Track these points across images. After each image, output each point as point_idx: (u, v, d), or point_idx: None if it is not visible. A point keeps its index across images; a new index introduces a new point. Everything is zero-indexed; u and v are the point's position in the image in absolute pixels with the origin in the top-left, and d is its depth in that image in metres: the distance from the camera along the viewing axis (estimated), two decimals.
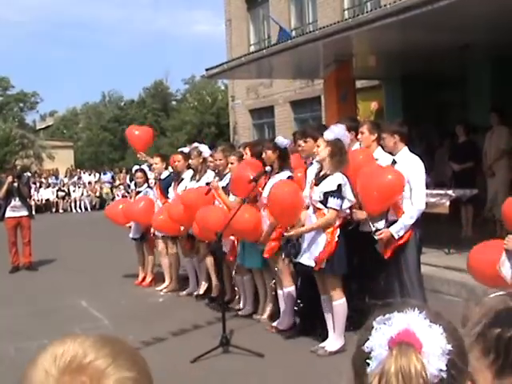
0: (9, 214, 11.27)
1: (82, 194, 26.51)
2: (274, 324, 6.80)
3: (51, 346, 0.94)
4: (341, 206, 5.77)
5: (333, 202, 5.72)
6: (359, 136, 6.50)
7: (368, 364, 1.01)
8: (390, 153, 5.99)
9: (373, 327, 1.04)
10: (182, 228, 8.37)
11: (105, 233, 14.27)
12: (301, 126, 15.28)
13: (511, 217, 4.59)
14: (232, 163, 7.39)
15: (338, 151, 5.79)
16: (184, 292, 8.81)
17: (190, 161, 8.48)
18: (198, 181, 8.20)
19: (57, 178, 28.13)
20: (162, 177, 9.16)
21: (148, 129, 10.72)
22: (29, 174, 18.45)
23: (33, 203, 20.81)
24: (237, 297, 7.95)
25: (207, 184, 7.78)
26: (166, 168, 9.25)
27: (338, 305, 5.86)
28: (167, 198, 8.92)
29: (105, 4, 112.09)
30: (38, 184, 25.95)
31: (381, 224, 5.92)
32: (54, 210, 25.63)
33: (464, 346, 1.06)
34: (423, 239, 5.93)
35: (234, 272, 7.54)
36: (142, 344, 6.30)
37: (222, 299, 6.75)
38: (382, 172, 5.84)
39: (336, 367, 5.33)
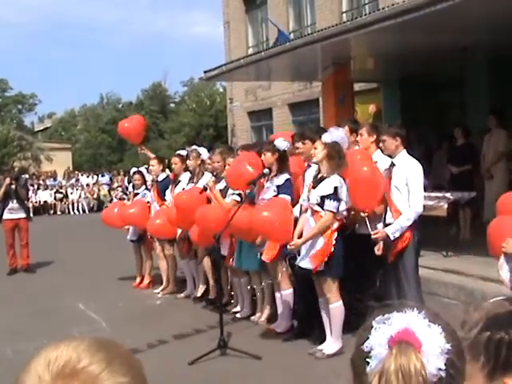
0: (6, 216, 11.25)
1: (80, 196, 26.49)
2: (272, 326, 6.80)
3: (44, 350, 0.93)
4: (337, 208, 5.78)
5: (329, 204, 5.73)
6: (358, 138, 6.51)
7: (368, 363, 1.02)
8: (389, 155, 5.99)
9: (372, 327, 1.05)
10: (180, 231, 8.37)
11: (103, 235, 14.24)
12: (299, 128, 15.28)
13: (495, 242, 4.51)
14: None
15: (336, 154, 5.79)
16: (182, 294, 8.80)
17: (188, 162, 8.47)
18: (195, 183, 8.19)
19: (55, 180, 28.13)
20: (159, 179, 9.15)
21: (137, 117, 10.70)
22: (27, 176, 18.42)
23: (30, 205, 20.76)
24: (232, 300, 7.94)
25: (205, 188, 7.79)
26: (163, 170, 9.25)
27: (334, 307, 5.86)
28: (164, 200, 8.92)
29: (104, 5, 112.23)
30: (35, 186, 25.93)
31: (379, 226, 5.93)
32: (51, 212, 25.61)
33: (462, 346, 1.06)
34: (421, 242, 5.93)
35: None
36: (139, 346, 6.28)
37: (219, 302, 6.74)
38: (358, 168, 5.85)
39: (334, 370, 5.34)
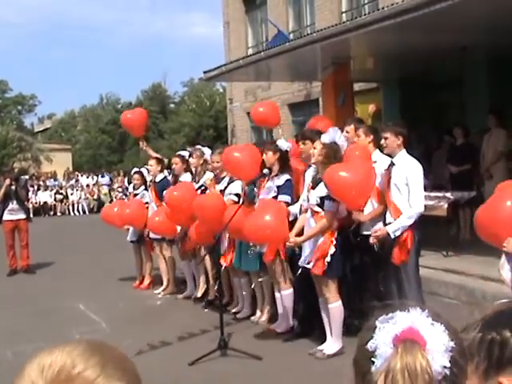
0: (6, 217, 11.24)
1: (80, 197, 26.49)
2: (272, 327, 6.79)
3: (38, 356, 0.92)
4: (337, 208, 5.77)
5: (329, 205, 5.73)
6: (355, 139, 6.50)
7: (373, 362, 1.03)
8: (389, 154, 5.97)
9: (375, 327, 1.05)
10: (179, 229, 8.36)
11: (103, 235, 14.25)
12: (300, 128, 15.27)
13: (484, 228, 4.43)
14: None
15: (333, 154, 5.79)
16: (182, 295, 8.80)
17: (191, 159, 8.50)
18: (197, 182, 8.20)
19: (55, 181, 28.12)
20: (157, 179, 9.15)
21: (140, 110, 10.74)
22: (26, 177, 18.41)
23: (30, 206, 20.77)
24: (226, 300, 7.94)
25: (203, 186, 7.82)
26: (162, 171, 9.25)
27: (333, 307, 5.86)
28: (162, 200, 8.92)
29: (103, 5, 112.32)
30: (35, 187, 25.93)
31: (379, 226, 5.92)
32: (51, 212, 25.60)
33: (463, 345, 1.07)
34: (421, 242, 5.92)
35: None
36: (139, 347, 6.28)
37: (219, 302, 6.73)
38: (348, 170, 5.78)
39: (334, 370, 5.33)
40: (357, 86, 13.35)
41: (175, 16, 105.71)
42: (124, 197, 21.61)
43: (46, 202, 25.77)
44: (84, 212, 25.85)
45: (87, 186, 27.52)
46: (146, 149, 9.72)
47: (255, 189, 6.82)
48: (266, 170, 6.51)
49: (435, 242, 7.95)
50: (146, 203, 9.32)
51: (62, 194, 26.36)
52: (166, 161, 9.83)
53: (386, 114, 14.09)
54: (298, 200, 6.48)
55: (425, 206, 5.87)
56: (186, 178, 8.57)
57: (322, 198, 5.74)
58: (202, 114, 35.85)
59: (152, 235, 9.09)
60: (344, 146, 5.97)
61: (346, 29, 8.75)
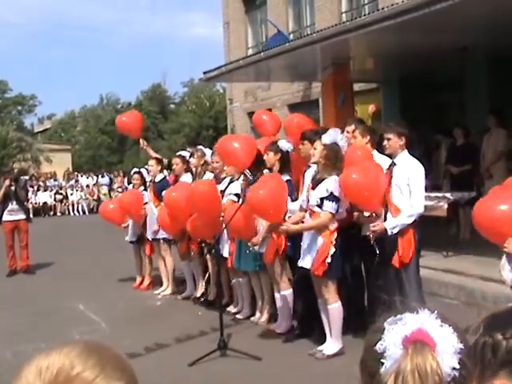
0: (6, 217, 11.24)
1: (80, 197, 26.49)
2: (272, 327, 6.79)
3: (36, 358, 0.91)
4: (337, 209, 5.76)
5: (328, 205, 5.73)
6: (352, 140, 6.48)
7: (382, 363, 1.03)
8: (389, 155, 5.96)
9: (384, 328, 1.05)
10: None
11: (102, 236, 14.25)
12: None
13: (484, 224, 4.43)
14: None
15: (334, 155, 5.78)
16: (181, 295, 8.79)
17: (191, 159, 8.50)
18: None
19: (55, 181, 28.11)
20: (157, 180, 9.15)
21: (135, 112, 10.72)
22: (26, 178, 18.42)
23: (30, 206, 20.76)
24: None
25: None
26: (161, 171, 9.25)
27: (332, 308, 5.85)
28: (161, 200, 8.90)
29: (103, 5, 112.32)
30: (35, 187, 25.92)
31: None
32: (51, 213, 25.60)
33: (469, 347, 1.07)
34: (421, 242, 5.91)
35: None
36: (139, 347, 6.28)
37: (219, 302, 6.73)
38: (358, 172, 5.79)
39: (334, 370, 5.33)
40: (357, 87, 13.34)
41: (175, 16, 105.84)
42: None
43: (45, 203, 25.76)
44: (84, 212, 25.85)
45: (87, 186, 27.52)
46: (146, 148, 9.71)
47: None
48: (265, 171, 6.51)
49: (435, 243, 7.94)
50: (145, 203, 9.31)
51: (61, 194, 26.36)
52: (165, 161, 9.83)
53: (385, 114, 14.09)
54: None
55: (425, 206, 5.87)
56: (186, 178, 8.57)
57: (322, 199, 5.74)
58: (201, 115, 35.89)
59: (151, 236, 9.08)
60: (345, 146, 5.96)
61: (346, 29, 8.75)
